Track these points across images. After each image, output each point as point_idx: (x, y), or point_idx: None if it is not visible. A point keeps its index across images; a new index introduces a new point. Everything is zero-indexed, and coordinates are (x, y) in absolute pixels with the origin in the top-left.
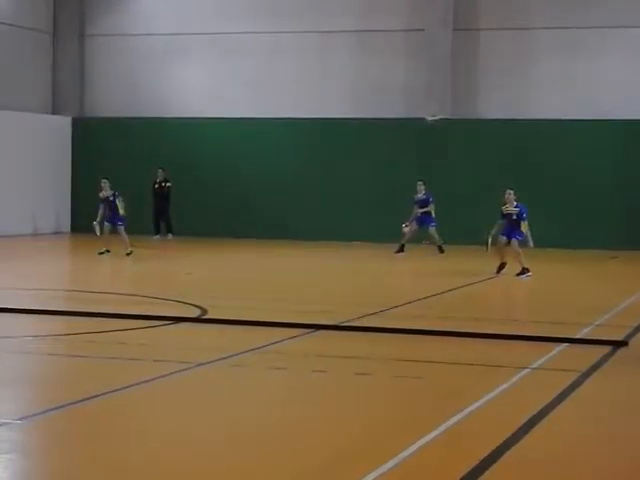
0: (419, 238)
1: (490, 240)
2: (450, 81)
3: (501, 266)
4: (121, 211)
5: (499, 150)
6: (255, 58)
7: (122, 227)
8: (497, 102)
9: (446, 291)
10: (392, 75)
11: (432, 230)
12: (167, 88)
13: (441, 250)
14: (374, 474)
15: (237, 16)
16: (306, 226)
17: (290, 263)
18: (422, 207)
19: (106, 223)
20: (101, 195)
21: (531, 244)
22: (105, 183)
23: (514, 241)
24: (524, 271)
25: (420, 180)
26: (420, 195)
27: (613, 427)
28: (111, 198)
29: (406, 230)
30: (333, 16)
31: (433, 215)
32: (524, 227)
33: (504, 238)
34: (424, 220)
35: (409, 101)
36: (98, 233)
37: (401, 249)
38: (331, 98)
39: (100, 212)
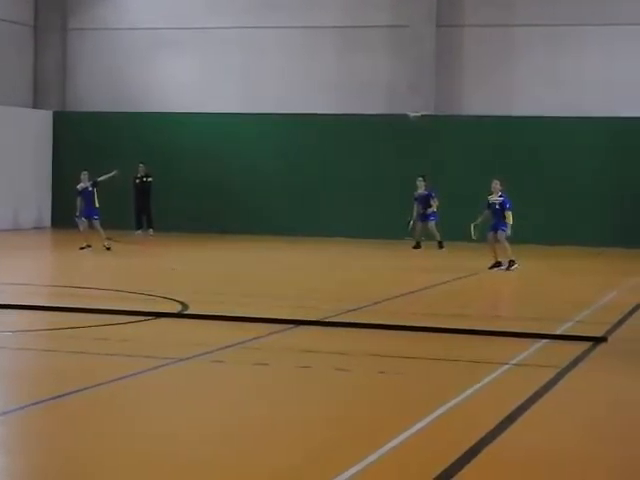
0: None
1: (473, 227)
2: (434, 77)
3: (496, 264)
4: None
5: (482, 147)
6: (239, 53)
7: (97, 221)
8: (481, 99)
9: (429, 287)
10: (376, 71)
11: (432, 225)
12: (150, 83)
13: (440, 246)
14: (355, 468)
15: (222, 11)
16: (289, 221)
17: (273, 258)
18: (424, 204)
19: (83, 218)
20: (79, 187)
21: (508, 232)
22: (84, 175)
23: (500, 233)
24: (511, 263)
25: (420, 176)
26: (420, 191)
27: (592, 422)
28: (90, 189)
29: (410, 227)
30: (318, 12)
31: (435, 210)
32: (508, 217)
33: (491, 233)
34: (426, 216)
35: (393, 97)
36: (81, 228)
37: (417, 246)
38: (315, 94)
39: (79, 205)
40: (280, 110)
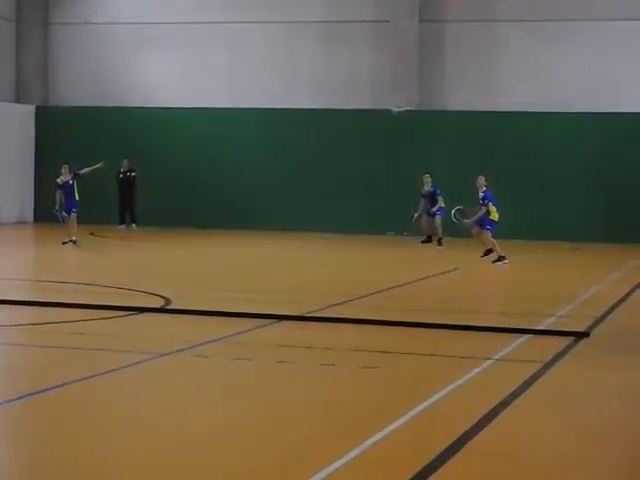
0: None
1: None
2: (417, 72)
3: (487, 252)
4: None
5: (466, 142)
6: (222, 48)
7: (75, 214)
8: (464, 94)
9: (413, 281)
10: (359, 66)
11: (438, 220)
12: (133, 78)
13: (439, 243)
14: (339, 462)
15: (204, 6)
16: (273, 217)
17: (256, 253)
18: (431, 201)
19: (64, 212)
20: (59, 181)
21: (470, 220)
22: (65, 168)
23: (485, 233)
24: (495, 256)
25: (427, 173)
26: (427, 188)
27: (574, 417)
28: (70, 182)
29: (419, 221)
30: (301, 7)
31: (442, 205)
32: (493, 213)
33: (477, 227)
34: (434, 212)
35: (376, 92)
36: (62, 220)
37: (428, 239)
38: (298, 88)
39: (58, 199)
40: (264, 105)
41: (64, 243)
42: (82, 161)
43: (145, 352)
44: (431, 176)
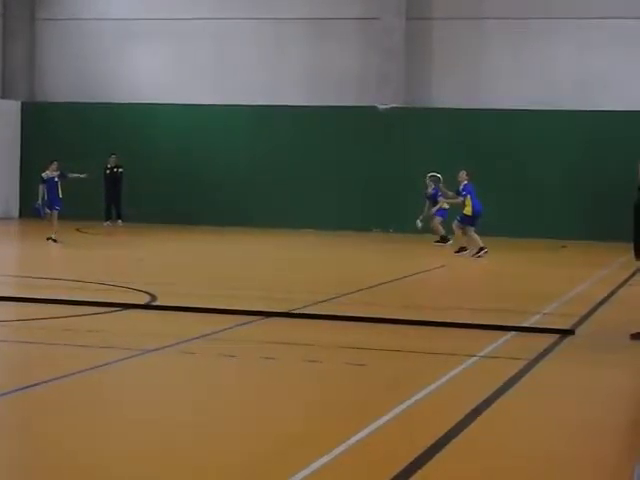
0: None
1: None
2: (403, 69)
3: (461, 249)
4: (60, 193)
5: (452, 139)
6: (209, 44)
7: (57, 212)
8: (450, 91)
9: (399, 279)
10: (347, 63)
11: (437, 220)
12: (120, 73)
13: (441, 241)
14: (324, 459)
15: (191, 2)
16: (259, 212)
17: (242, 250)
18: (433, 202)
19: (47, 208)
20: (44, 175)
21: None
22: (54, 165)
23: (455, 222)
24: (461, 249)
25: (430, 174)
26: (430, 190)
27: (559, 414)
28: (56, 179)
29: (419, 226)
30: (288, 3)
31: (444, 207)
32: (458, 200)
33: (455, 222)
34: (436, 212)
35: (363, 89)
36: (42, 214)
37: (442, 240)
38: (285, 85)
39: (41, 193)
40: (251, 102)
41: (49, 239)
42: (68, 157)
43: (131, 348)
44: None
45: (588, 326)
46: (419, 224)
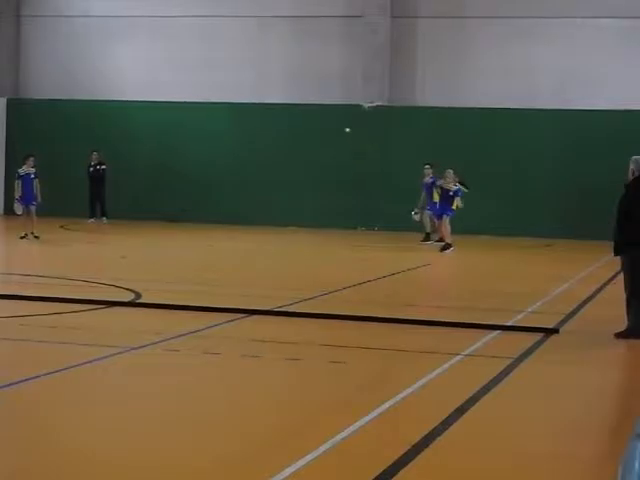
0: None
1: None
2: (388, 68)
3: (426, 238)
4: (36, 191)
5: (436, 137)
6: (194, 42)
7: (34, 207)
8: (434, 89)
9: (383, 277)
10: (330, 61)
11: (429, 215)
12: (104, 70)
13: (427, 238)
14: (307, 458)
15: None
16: (243, 210)
17: (226, 247)
18: (430, 193)
19: (22, 204)
20: (20, 171)
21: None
22: (31, 160)
23: (445, 217)
24: (447, 246)
25: (427, 164)
26: (427, 179)
27: (543, 413)
28: (32, 176)
29: (417, 218)
30: (272, 1)
31: (436, 200)
32: (434, 196)
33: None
34: (428, 206)
35: (347, 87)
36: (19, 212)
37: (427, 238)
38: (269, 83)
39: (17, 188)
40: (234, 99)
41: (33, 235)
42: (53, 153)
43: (115, 346)
44: (431, 167)
45: (572, 325)
46: (415, 216)
